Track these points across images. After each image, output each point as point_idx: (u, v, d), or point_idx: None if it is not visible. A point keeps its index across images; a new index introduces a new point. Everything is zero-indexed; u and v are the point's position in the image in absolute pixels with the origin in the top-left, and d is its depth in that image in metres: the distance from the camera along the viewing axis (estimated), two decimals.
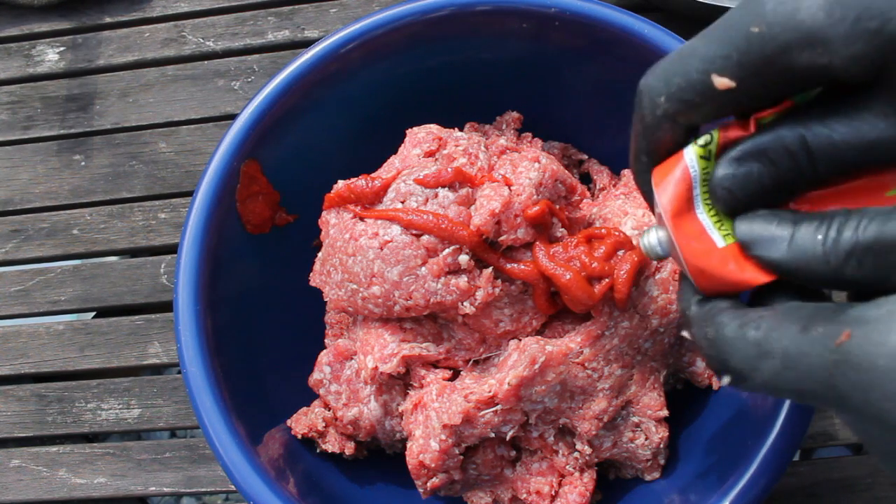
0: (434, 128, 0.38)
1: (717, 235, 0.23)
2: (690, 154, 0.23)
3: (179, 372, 0.42)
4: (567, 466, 0.37)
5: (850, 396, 0.19)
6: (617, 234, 0.35)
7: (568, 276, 0.34)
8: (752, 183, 0.23)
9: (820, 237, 0.22)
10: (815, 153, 0.22)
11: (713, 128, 0.24)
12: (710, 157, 0.23)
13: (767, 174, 0.23)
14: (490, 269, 0.34)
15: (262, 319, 0.41)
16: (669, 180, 0.24)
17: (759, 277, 0.23)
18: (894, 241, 0.20)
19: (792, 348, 0.20)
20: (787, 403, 0.33)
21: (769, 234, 0.23)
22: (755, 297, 0.24)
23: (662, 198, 0.24)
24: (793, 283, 0.23)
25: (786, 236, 0.22)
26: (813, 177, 0.23)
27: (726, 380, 0.23)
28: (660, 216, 0.25)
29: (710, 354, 0.23)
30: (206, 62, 0.57)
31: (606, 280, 0.34)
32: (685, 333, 0.25)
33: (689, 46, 0.23)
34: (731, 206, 0.23)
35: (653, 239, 0.26)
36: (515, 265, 0.35)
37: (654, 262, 0.36)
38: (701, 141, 0.23)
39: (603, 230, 0.35)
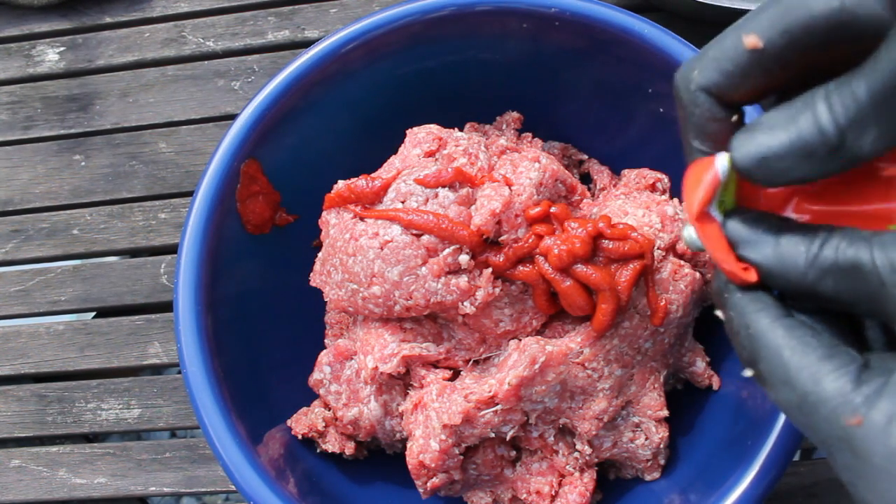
0: (434, 128, 0.38)
1: None
2: (722, 160, 0.23)
3: (179, 372, 0.42)
4: (567, 466, 0.37)
5: (842, 472, 0.20)
6: (625, 244, 0.34)
7: (567, 283, 0.34)
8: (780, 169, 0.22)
9: (803, 249, 0.22)
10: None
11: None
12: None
13: (796, 166, 0.22)
14: (490, 268, 0.34)
15: (262, 319, 0.41)
16: (698, 183, 0.24)
17: (752, 276, 0.23)
18: (869, 270, 0.20)
19: (811, 398, 0.21)
20: None
21: (755, 237, 0.23)
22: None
23: (688, 199, 0.24)
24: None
25: (770, 241, 0.23)
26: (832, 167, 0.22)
27: (748, 373, 0.23)
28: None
29: (743, 345, 0.23)
30: (206, 62, 0.57)
31: (606, 292, 0.33)
32: (719, 314, 0.25)
33: (729, 27, 0.23)
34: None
35: (692, 232, 0.25)
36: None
37: (655, 263, 0.36)
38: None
39: (608, 230, 0.34)
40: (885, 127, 0.20)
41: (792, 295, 0.23)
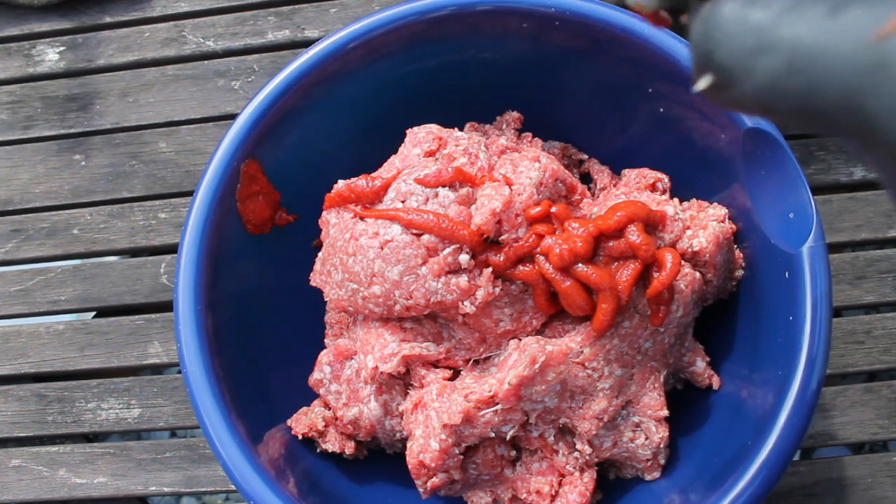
0: (434, 127, 0.38)
1: None
2: None
3: (179, 372, 0.43)
4: (567, 466, 0.37)
5: (877, 120, 0.14)
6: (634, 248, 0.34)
7: (567, 283, 0.34)
8: None
9: None
10: None
11: None
12: None
13: None
14: (490, 268, 0.34)
15: (262, 319, 0.41)
16: None
17: None
18: None
19: (808, 39, 0.15)
20: (787, 403, 0.33)
21: None
22: None
23: None
24: None
25: None
26: None
27: (704, 82, 0.17)
28: None
29: (696, 41, 0.17)
30: (206, 62, 0.57)
31: (606, 291, 0.33)
32: (682, 17, 0.21)
33: None
34: None
35: None
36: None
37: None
38: None
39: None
40: None
41: None
